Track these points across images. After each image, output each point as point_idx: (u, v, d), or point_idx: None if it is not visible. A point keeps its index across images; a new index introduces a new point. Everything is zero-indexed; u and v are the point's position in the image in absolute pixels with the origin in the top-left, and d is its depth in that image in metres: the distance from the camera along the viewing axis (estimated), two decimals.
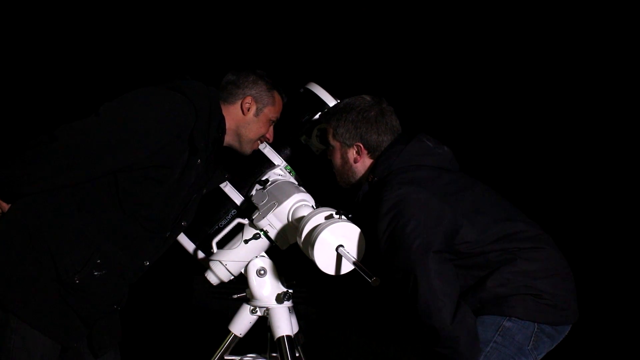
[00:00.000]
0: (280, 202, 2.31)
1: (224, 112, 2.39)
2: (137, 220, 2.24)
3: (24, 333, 2.17)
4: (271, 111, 2.43)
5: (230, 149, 2.47)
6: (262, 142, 2.48)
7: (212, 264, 2.41)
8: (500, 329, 2.29)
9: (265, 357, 2.51)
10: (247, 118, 2.41)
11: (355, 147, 2.43)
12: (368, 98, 2.45)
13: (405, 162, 2.37)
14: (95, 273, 2.21)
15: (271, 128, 2.47)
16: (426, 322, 2.22)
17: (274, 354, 2.43)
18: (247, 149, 2.45)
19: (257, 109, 2.41)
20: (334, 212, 2.18)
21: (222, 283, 2.44)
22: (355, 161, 2.45)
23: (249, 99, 2.40)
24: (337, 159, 2.48)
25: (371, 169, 2.44)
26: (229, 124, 2.40)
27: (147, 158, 2.17)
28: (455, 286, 2.26)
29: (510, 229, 2.34)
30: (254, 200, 2.40)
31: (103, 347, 2.34)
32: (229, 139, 2.43)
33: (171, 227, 2.35)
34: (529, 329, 2.30)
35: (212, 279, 2.43)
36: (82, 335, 2.29)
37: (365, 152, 2.43)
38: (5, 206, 2.22)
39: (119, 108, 2.19)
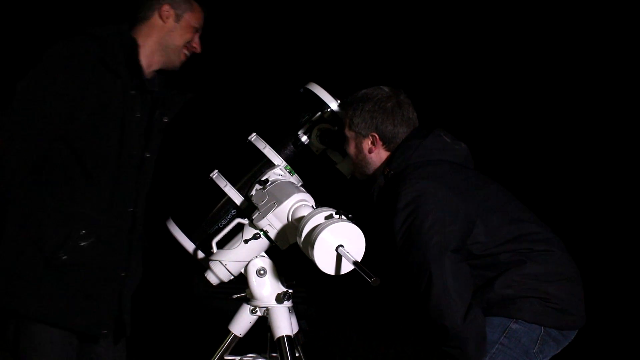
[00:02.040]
0: (280, 202, 2.31)
1: (145, 30, 2.39)
2: (103, 175, 2.25)
3: (30, 330, 2.18)
4: (191, 17, 2.44)
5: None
6: (189, 52, 2.47)
7: (212, 264, 2.41)
8: (506, 331, 2.29)
9: (265, 357, 2.51)
10: (168, 26, 2.40)
11: (370, 137, 2.42)
12: (386, 89, 2.44)
13: (423, 157, 2.36)
14: (82, 244, 2.21)
15: (197, 38, 2.46)
16: (437, 321, 2.22)
17: (274, 354, 2.43)
18: (176, 60, 2.44)
19: (176, 14, 2.40)
20: (334, 212, 2.18)
21: (222, 283, 2.44)
22: (370, 152, 2.43)
23: (165, 7, 2.39)
24: (352, 149, 2.46)
25: (387, 162, 2.42)
26: (153, 39, 2.39)
27: (75, 107, 2.19)
28: (469, 287, 2.25)
29: (523, 230, 2.33)
30: (254, 200, 2.40)
31: (128, 325, 2.37)
32: (158, 58, 2.42)
33: (138, 164, 2.34)
34: (536, 332, 2.29)
35: (212, 279, 2.43)
36: (107, 320, 2.30)
37: (380, 143, 2.42)
38: None
39: (29, 80, 2.21)
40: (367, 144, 2.43)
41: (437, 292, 2.20)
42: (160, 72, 2.47)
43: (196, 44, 2.46)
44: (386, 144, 2.42)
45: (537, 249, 2.32)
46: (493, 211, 2.33)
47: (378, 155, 2.44)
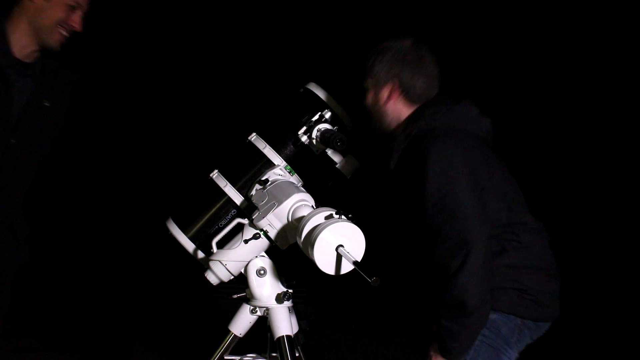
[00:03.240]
0: (280, 202, 2.31)
1: (17, 13, 2.33)
2: None
3: None
4: None
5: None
6: (67, 31, 2.39)
7: (212, 264, 2.41)
8: (486, 322, 2.30)
9: (265, 357, 2.51)
10: (37, 5, 2.33)
11: (389, 85, 2.42)
12: (409, 41, 2.42)
13: (450, 123, 2.33)
14: None
15: (77, 16, 2.38)
16: (457, 295, 2.19)
17: (274, 354, 2.43)
18: (50, 40, 2.37)
19: None
20: (334, 212, 2.18)
21: (222, 283, 2.44)
22: (388, 101, 2.43)
23: None
24: (370, 99, 2.47)
25: (410, 120, 2.40)
26: (24, 20, 2.33)
27: None
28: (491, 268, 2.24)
29: (516, 219, 2.34)
30: (254, 200, 2.40)
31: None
32: (31, 39, 2.35)
33: (1, 151, 2.30)
34: (513, 322, 2.31)
35: (212, 279, 2.43)
36: None
37: (398, 92, 2.42)
38: None
39: None
40: (385, 92, 2.43)
41: (471, 267, 2.16)
42: (49, 55, 2.41)
43: (75, 22, 2.36)
44: (404, 93, 2.41)
45: (521, 239, 2.32)
46: (499, 194, 2.32)
47: (395, 106, 2.44)
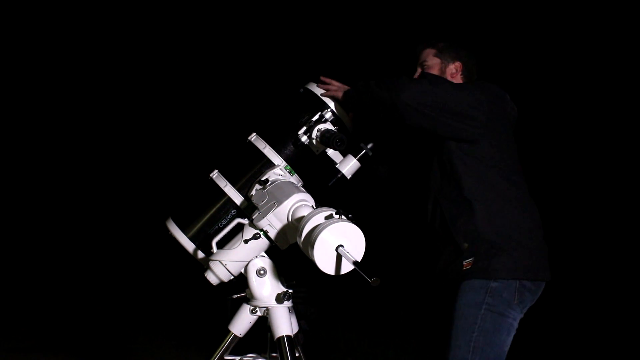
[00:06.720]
0: (280, 202, 2.31)
1: None
2: None
3: None
4: None
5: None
6: None
7: (212, 264, 2.41)
8: (489, 291, 2.50)
9: (265, 357, 2.51)
10: None
11: (456, 64, 2.78)
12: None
13: (491, 94, 2.64)
14: None
15: None
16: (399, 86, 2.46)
17: (274, 354, 2.43)
18: None
19: None
20: (334, 212, 2.18)
21: (222, 283, 2.44)
22: (452, 77, 2.77)
23: None
24: (435, 73, 2.76)
25: None
26: None
27: None
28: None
29: (515, 168, 2.63)
30: (254, 200, 2.40)
31: None
32: None
33: None
34: (512, 285, 2.52)
35: (212, 279, 2.43)
36: None
37: (460, 72, 2.78)
38: None
39: None
40: (451, 69, 2.78)
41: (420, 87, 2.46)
42: None
43: None
44: (464, 74, 2.79)
45: (519, 197, 2.58)
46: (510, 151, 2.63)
47: (458, 81, 2.77)
